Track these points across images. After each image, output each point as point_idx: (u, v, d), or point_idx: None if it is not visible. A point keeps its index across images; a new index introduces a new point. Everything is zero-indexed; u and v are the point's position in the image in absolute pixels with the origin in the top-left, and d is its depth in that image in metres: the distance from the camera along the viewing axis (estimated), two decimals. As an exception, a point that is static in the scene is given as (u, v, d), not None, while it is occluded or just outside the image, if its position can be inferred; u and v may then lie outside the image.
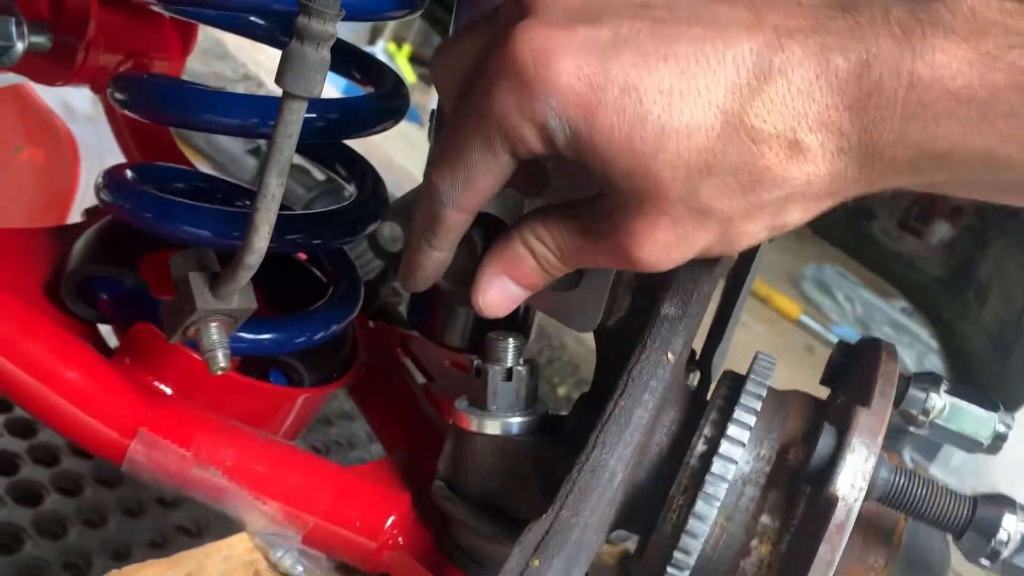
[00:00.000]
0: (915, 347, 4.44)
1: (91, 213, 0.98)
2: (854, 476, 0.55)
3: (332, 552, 0.79)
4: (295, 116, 0.60)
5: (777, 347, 3.85)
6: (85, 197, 1.60)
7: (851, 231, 2.02)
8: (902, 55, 0.46)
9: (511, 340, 0.72)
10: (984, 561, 0.55)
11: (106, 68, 0.97)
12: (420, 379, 1.06)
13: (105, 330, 0.92)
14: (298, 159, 1.89)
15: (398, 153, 3.19)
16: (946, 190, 0.52)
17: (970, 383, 1.81)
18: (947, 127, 0.46)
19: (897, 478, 0.56)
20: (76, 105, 1.69)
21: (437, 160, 0.56)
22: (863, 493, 0.55)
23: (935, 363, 4.28)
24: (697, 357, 0.79)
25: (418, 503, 0.82)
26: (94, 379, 0.77)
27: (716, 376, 0.78)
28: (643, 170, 0.48)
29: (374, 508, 0.79)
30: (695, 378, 0.80)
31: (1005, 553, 0.54)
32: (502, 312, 0.60)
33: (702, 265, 0.66)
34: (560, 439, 0.73)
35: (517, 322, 0.82)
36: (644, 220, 0.51)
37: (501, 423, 0.72)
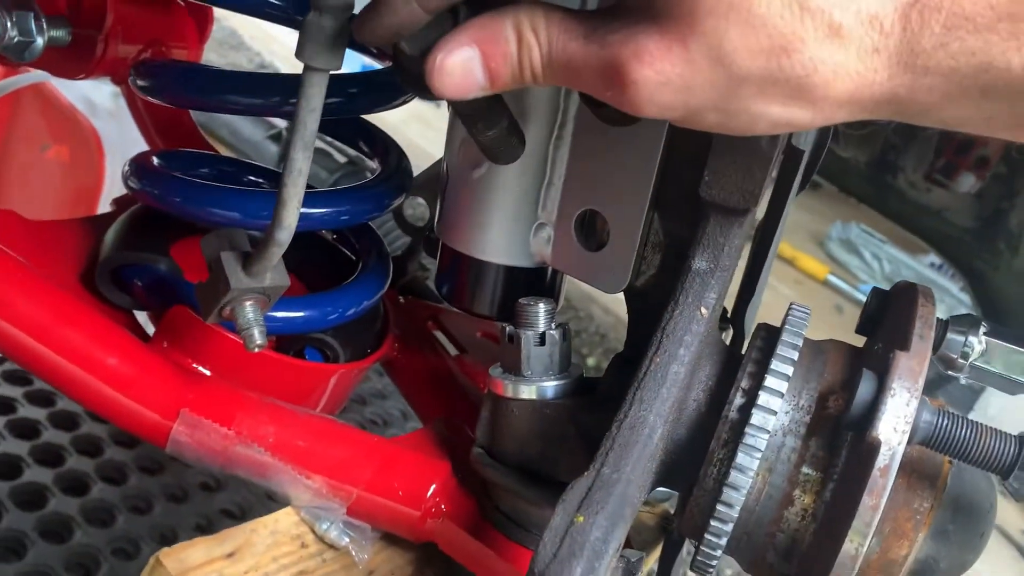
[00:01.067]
0: (945, 301, 4.39)
1: (120, 203, 0.99)
2: (896, 420, 0.54)
3: (376, 522, 0.80)
4: (317, 89, 0.60)
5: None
6: (111, 191, 1.61)
7: (877, 186, 2.00)
8: None
9: (542, 305, 0.72)
10: None
11: (125, 59, 0.97)
12: (453, 351, 1.07)
13: (142, 317, 0.93)
14: (319, 142, 1.90)
15: (416, 134, 3.19)
16: (969, 126, 0.49)
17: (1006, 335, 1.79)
18: (985, 41, 0.44)
19: (940, 420, 0.55)
20: (98, 101, 1.70)
21: None
22: (906, 436, 0.54)
23: (967, 317, 4.22)
24: (728, 315, 0.79)
25: (458, 471, 0.82)
26: (134, 363, 0.78)
27: (749, 333, 0.77)
28: None
29: (415, 477, 0.80)
30: (728, 335, 0.80)
31: None
32: (450, 89, 0.50)
33: (731, 218, 0.65)
34: (596, 401, 0.73)
35: (545, 287, 0.82)
36: (659, 40, 0.46)
37: (536, 387, 0.72)
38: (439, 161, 1.08)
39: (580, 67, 0.49)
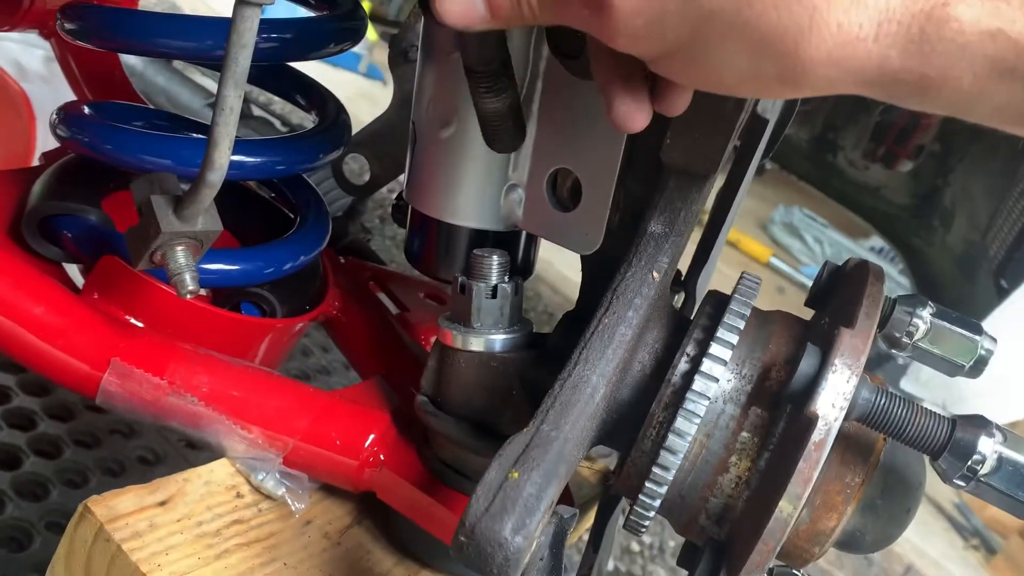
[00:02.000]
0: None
1: (49, 157, 0.96)
2: (835, 396, 0.54)
3: (314, 473, 0.79)
4: (249, 24, 0.59)
5: (750, 289, 3.87)
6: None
7: (817, 164, 2.03)
8: None
9: (496, 257, 0.71)
10: (959, 481, 0.55)
11: (53, 11, 0.94)
12: (395, 312, 1.06)
13: (74, 272, 0.91)
14: (259, 111, 1.86)
15: (363, 112, 3.16)
16: (977, 111, 0.44)
17: (939, 305, 1.84)
18: (995, 7, 0.40)
19: (878, 399, 0.56)
20: (28, 64, 1.65)
21: None
22: (843, 413, 0.54)
23: (905, 299, 4.33)
24: (682, 278, 0.79)
25: (398, 422, 0.82)
26: (62, 313, 0.76)
27: (700, 298, 0.78)
28: None
29: (353, 427, 0.79)
30: (679, 299, 0.80)
31: (980, 473, 0.54)
32: (451, 16, 0.51)
33: (691, 183, 0.65)
34: (543, 356, 0.73)
35: (518, 251, 0.80)
36: None
37: (485, 340, 0.72)
38: (380, 117, 1.07)
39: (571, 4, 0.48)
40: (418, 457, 0.80)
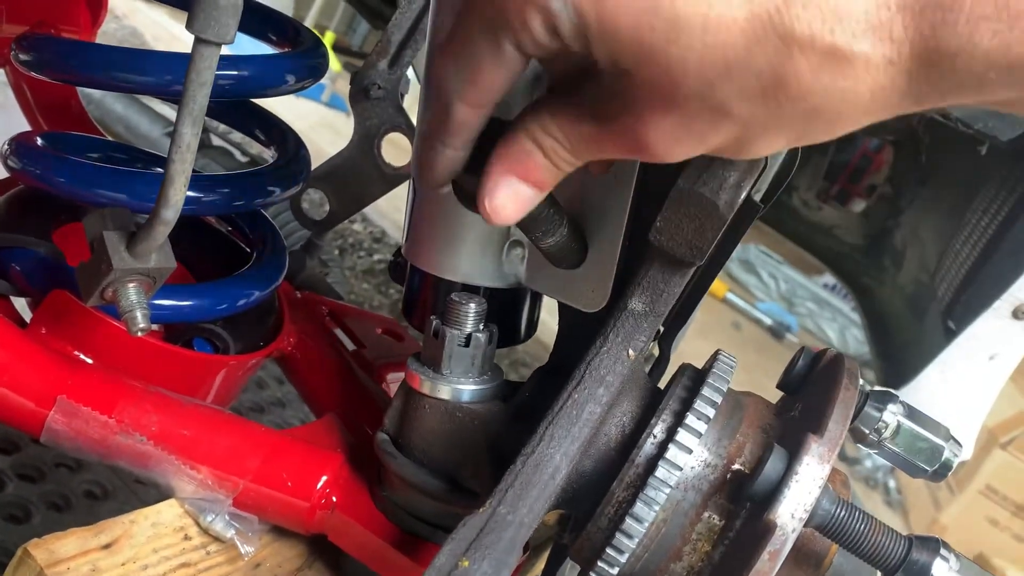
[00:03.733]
0: (838, 320, 4.58)
1: (0, 187, 0.94)
2: (795, 506, 0.54)
3: (264, 514, 0.78)
4: (208, 63, 0.59)
5: (706, 325, 3.92)
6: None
7: (773, 204, 2.07)
8: None
9: (473, 304, 0.70)
10: None
11: (9, 39, 0.93)
12: (351, 347, 1.06)
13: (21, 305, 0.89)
14: (220, 141, 1.85)
15: (325, 141, 3.16)
16: (1018, 108, 0.44)
17: (890, 345, 1.88)
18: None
19: (837, 510, 0.56)
20: (-18, 90, 1.62)
21: (441, 51, 0.49)
22: (802, 524, 0.54)
23: (857, 335, 4.42)
24: (657, 336, 0.78)
25: (351, 462, 0.81)
26: (7, 348, 0.74)
27: (673, 352, 0.78)
28: (654, 62, 0.43)
29: (305, 468, 0.78)
30: (653, 348, 0.80)
31: None
32: (513, 217, 0.53)
33: (675, 268, 0.64)
34: (510, 412, 0.72)
35: (520, 309, 0.79)
36: (654, 107, 0.45)
37: (452, 388, 0.71)
38: (340, 153, 1.07)
39: (603, 142, 0.50)
40: (371, 497, 0.79)
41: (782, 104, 0.43)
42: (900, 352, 1.80)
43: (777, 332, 4.23)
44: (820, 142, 0.47)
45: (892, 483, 3.51)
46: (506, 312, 0.78)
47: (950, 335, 1.62)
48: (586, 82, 0.49)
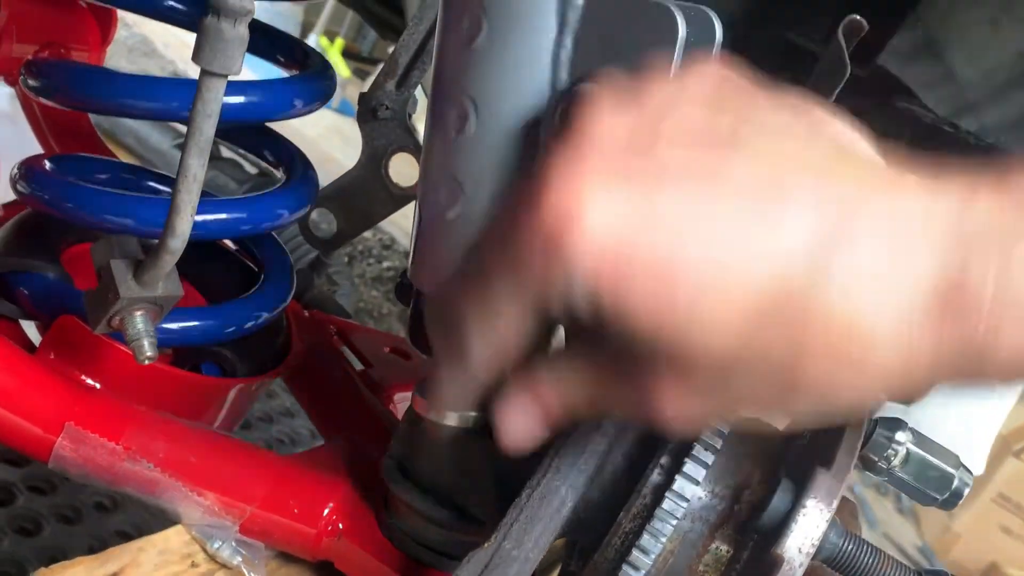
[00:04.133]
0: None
1: (9, 209, 0.95)
2: (803, 540, 0.54)
3: (271, 541, 0.78)
4: (214, 95, 0.59)
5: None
6: (5, 197, 1.55)
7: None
8: (990, 247, 0.39)
9: None
10: None
11: (20, 59, 0.93)
12: (359, 366, 1.06)
13: (30, 328, 0.89)
14: (229, 152, 1.86)
15: (335, 149, 3.16)
16: None
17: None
18: None
19: (845, 544, 0.56)
20: (-7, 103, 1.63)
21: (462, 295, 0.52)
22: (809, 558, 0.54)
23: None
24: None
25: (358, 488, 0.81)
26: (14, 374, 0.74)
27: None
28: (668, 348, 0.43)
29: (312, 495, 0.78)
30: None
31: None
32: (523, 447, 0.56)
33: None
34: None
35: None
36: (673, 385, 0.46)
37: (460, 415, 0.70)
38: (348, 172, 1.07)
39: (617, 401, 0.51)
40: (377, 524, 0.79)
41: (797, 397, 0.44)
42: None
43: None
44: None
45: (903, 496, 3.49)
46: None
47: (963, 349, 1.61)
48: (609, 353, 0.49)
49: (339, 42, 4.36)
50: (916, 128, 1.57)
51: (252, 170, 1.82)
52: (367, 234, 2.83)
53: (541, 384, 0.53)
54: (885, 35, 1.11)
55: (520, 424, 0.55)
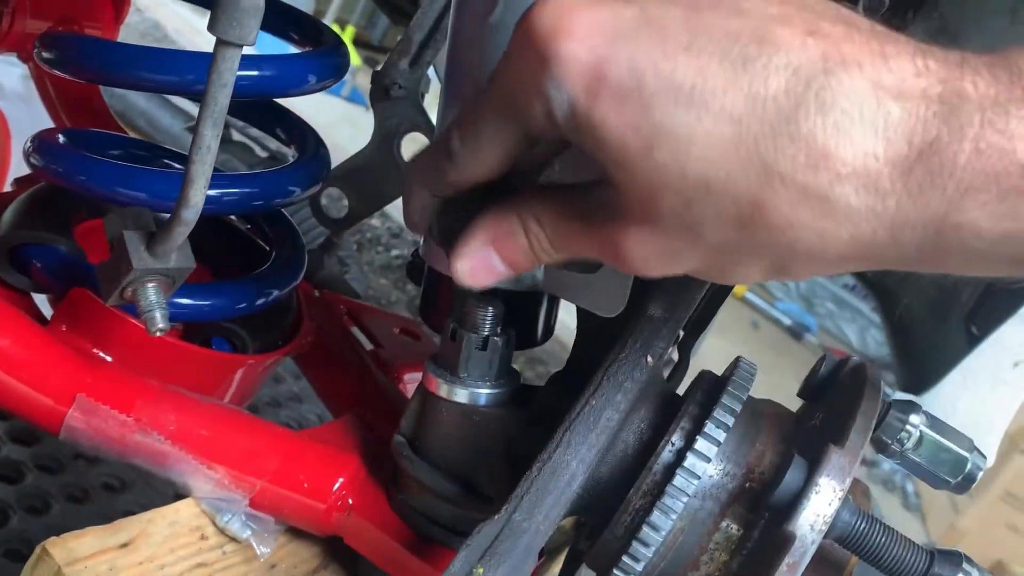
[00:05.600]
0: (857, 322, 4.54)
1: (22, 183, 0.95)
2: (815, 518, 0.54)
3: (280, 515, 0.78)
4: (229, 64, 0.59)
5: (724, 323, 3.91)
6: (18, 175, 1.55)
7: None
8: (970, 115, 0.39)
9: (491, 308, 0.69)
10: None
11: (33, 35, 0.93)
12: (368, 347, 1.06)
13: (42, 301, 0.89)
14: (240, 136, 1.86)
15: (344, 137, 3.16)
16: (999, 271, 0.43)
17: (911, 349, 1.86)
18: (1013, 206, 0.39)
19: (858, 522, 0.56)
20: (6, 83, 1.64)
21: (459, 117, 0.52)
22: (821, 535, 0.54)
23: (877, 337, 4.38)
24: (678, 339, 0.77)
25: (368, 464, 0.81)
26: (27, 346, 0.74)
27: (693, 355, 0.77)
28: (633, 169, 0.43)
29: (322, 470, 0.78)
30: (672, 352, 0.79)
31: None
32: (476, 285, 0.55)
33: None
34: (528, 417, 0.71)
35: (537, 313, 0.78)
36: (631, 221, 0.46)
37: (470, 392, 0.70)
38: (360, 152, 1.07)
39: (582, 244, 0.51)
40: (386, 500, 0.79)
41: (758, 233, 0.43)
42: (922, 356, 1.78)
43: (796, 332, 4.21)
44: (800, 279, 0.48)
45: (910, 487, 3.48)
46: (523, 315, 0.77)
47: (973, 341, 1.60)
48: (583, 187, 0.50)
49: (350, 30, 4.36)
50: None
51: (263, 153, 1.82)
52: (375, 222, 2.83)
53: (511, 225, 0.52)
54: (901, 22, 1.10)
55: (479, 261, 0.54)
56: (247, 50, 0.59)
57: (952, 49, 0.42)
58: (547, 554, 0.89)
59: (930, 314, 1.87)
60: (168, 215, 0.65)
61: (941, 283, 1.85)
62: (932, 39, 1.16)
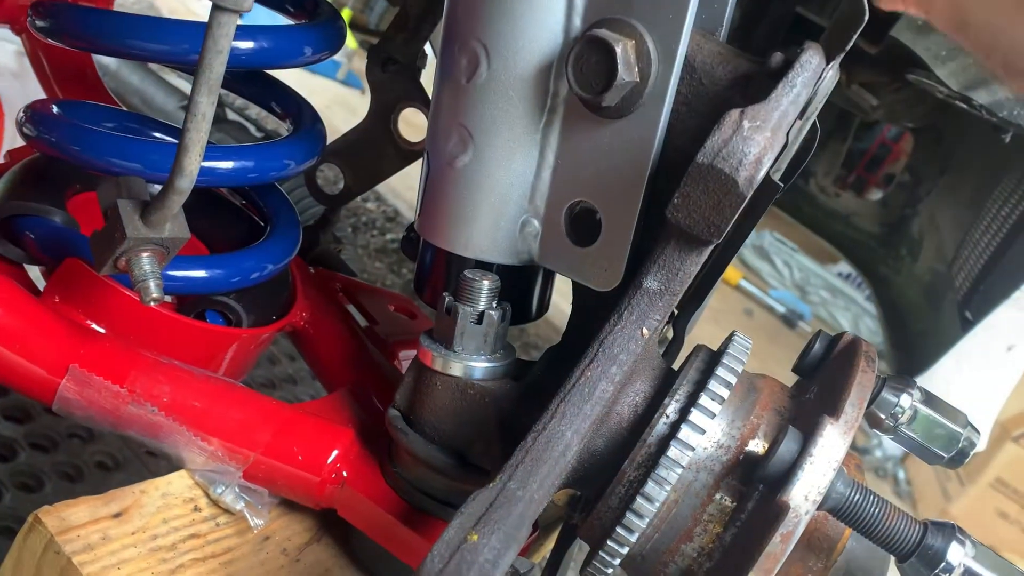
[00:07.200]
0: (851, 310, 4.55)
1: (15, 155, 0.94)
2: (809, 489, 0.54)
3: (274, 487, 0.78)
4: (225, 31, 0.58)
5: (718, 311, 3.91)
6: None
7: (789, 190, 2.05)
8: None
9: (487, 281, 0.69)
10: None
11: (25, 6, 0.92)
12: (363, 323, 1.05)
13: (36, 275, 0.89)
14: (235, 115, 1.84)
15: (338, 120, 3.15)
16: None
17: (905, 335, 1.86)
18: None
19: (852, 494, 0.56)
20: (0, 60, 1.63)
21: None
22: (815, 506, 0.54)
23: (871, 325, 4.39)
24: (673, 317, 0.77)
25: (362, 438, 0.81)
26: (20, 316, 0.74)
27: (689, 333, 0.77)
28: None
29: (316, 443, 0.78)
30: (667, 331, 0.79)
31: None
32: None
33: (691, 246, 0.63)
34: (522, 391, 0.71)
35: (532, 287, 0.78)
36: None
37: (464, 365, 0.70)
38: (356, 127, 1.07)
39: None
40: (381, 474, 0.79)
41: None
42: (915, 342, 1.78)
43: (790, 320, 4.21)
44: None
45: (902, 474, 3.50)
46: (518, 290, 0.77)
47: (967, 326, 1.61)
48: None
49: (346, 12, 4.33)
50: (928, 103, 1.56)
51: (258, 134, 1.81)
52: (371, 205, 2.82)
53: None
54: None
55: None
56: (242, 20, 0.58)
57: None
58: (541, 530, 0.89)
59: (925, 300, 1.88)
60: (163, 185, 0.65)
61: (936, 268, 1.86)
62: (929, 24, 1.14)
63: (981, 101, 1.12)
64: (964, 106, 1.16)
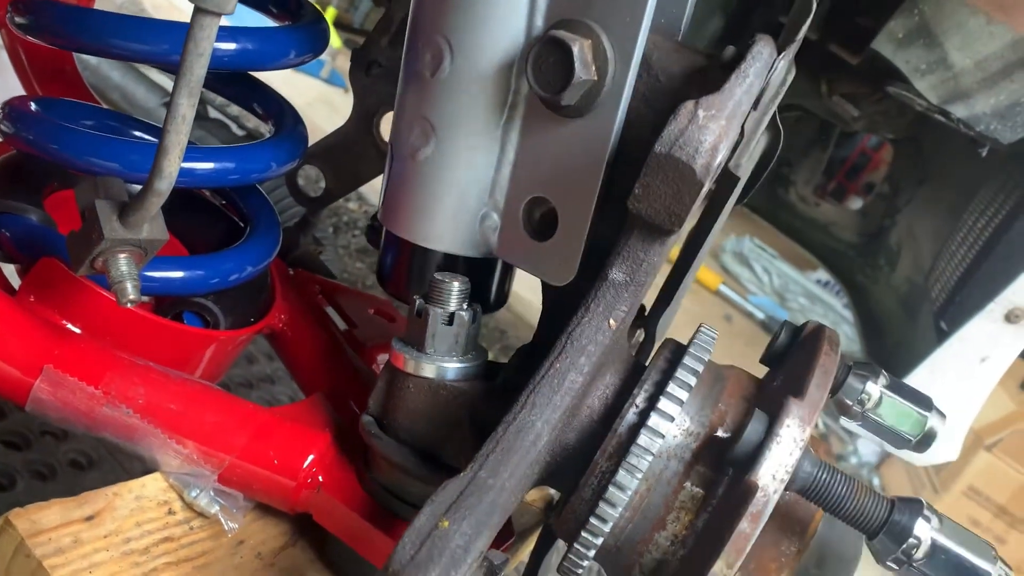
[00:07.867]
0: (829, 316, 4.58)
1: (-8, 151, 0.93)
2: (776, 467, 0.54)
3: (249, 491, 0.78)
4: (206, 33, 0.58)
5: (697, 316, 3.92)
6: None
7: (769, 198, 2.06)
8: None
9: (456, 283, 0.70)
10: (892, 564, 0.55)
11: (4, 2, 0.92)
12: (342, 326, 1.05)
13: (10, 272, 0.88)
14: (217, 114, 1.83)
15: (321, 118, 3.13)
16: None
17: (881, 344, 1.88)
18: None
19: (819, 473, 0.56)
20: (-24, 53, 1.60)
21: None
22: (783, 485, 0.54)
23: (848, 332, 4.43)
24: (645, 313, 0.78)
25: (338, 442, 0.81)
26: (-7, 315, 0.73)
27: (661, 337, 0.77)
28: None
29: (292, 447, 0.78)
30: (639, 335, 0.80)
31: (914, 557, 0.54)
32: None
33: (654, 236, 0.64)
34: (494, 390, 0.72)
35: (491, 279, 0.78)
36: None
37: (436, 367, 0.71)
38: (338, 130, 1.06)
39: None
40: (357, 479, 0.79)
41: None
42: (891, 351, 1.80)
43: (768, 326, 4.24)
44: None
45: (876, 480, 3.53)
46: (477, 281, 0.77)
47: (942, 336, 1.62)
48: None
49: (331, 11, 4.31)
50: (908, 116, 1.57)
51: (239, 132, 1.80)
52: (352, 205, 2.81)
53: None
54: (881, 19, 1.11)
55: None
56: (225, 21, 0.58)
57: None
58: (517, 535, 0.89)
59: (901, 309, 1.90)
60: (142, 187, 0.64)
61: (913, 279, 1.88)
62: (910, 37, 1.16)
63: (959, 115, 1.13)
64: (942, 119, 1.17)
